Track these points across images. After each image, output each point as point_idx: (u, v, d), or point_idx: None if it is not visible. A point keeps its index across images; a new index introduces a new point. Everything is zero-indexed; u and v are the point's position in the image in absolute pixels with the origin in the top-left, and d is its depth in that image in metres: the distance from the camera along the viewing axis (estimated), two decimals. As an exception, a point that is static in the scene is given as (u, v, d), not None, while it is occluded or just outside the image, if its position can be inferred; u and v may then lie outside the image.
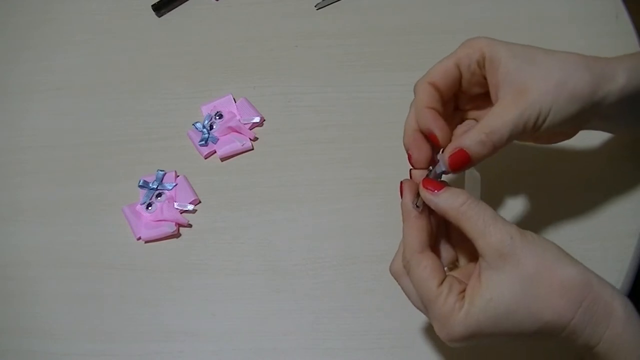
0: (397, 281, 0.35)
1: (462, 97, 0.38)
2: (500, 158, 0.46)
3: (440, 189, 0.32)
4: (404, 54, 0.53)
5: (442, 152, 0.34)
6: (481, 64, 0.35)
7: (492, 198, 0.45)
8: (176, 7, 0.59)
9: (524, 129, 0.33)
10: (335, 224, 0.46)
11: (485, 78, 0.35)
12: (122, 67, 0.56)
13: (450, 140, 0.35)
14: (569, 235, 0.43)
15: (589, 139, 0.47)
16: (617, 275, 0.42)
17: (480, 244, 0.31)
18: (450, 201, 0.32)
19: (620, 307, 0.30)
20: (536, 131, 0.34)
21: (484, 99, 0.37)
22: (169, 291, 0.45)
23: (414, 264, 0.32)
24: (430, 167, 0.35)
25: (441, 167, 0.35)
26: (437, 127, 0.34)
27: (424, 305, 0.33)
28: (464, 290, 0.32)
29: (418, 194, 0.34)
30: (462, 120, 0.39)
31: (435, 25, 0.54)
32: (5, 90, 0.56)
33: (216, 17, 0.57)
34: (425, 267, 0.32)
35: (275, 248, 0.46)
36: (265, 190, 0.48)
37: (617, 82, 0.33)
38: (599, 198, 0.45)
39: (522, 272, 0.30)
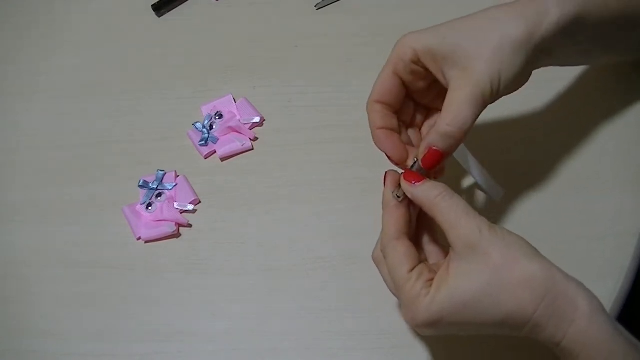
0: (377, 267, 0.36)
1: (415, 94, 0.38)
2: (497, 156, 0.46)
3: (419, 181, 0.34)
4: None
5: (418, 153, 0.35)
6: (417, 61, 0.35)
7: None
8: (176, 7, 0.58)
9: (483, 102, 0.33)
10: (335, 224, 0.46)
11: (426, 70, 0.35)
12: (122, 67, 0.56)
13: (406, 154, 0.36)
14: (569, 234, 0.43)
15: (588, 137, 0.47)
16: (617, 275, 0.42)
17: (451, 235, 0.32)
18: (426, 193, 0.33)
19: (585, 302, 0.30)
20: (497, 97, 0.34)
21: (436, 87, 0.37)
22: (168, 291, 0.45)
23: (390, 250, 0.34)
24: (415, 159, 0.36)
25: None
26: (389, 149, 0.36)
27: (396, 290, 0.34)
28: (432, 279, 0.33)
29: (399, 185, 0.35)
30: (427, 112, 0.39)
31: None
32: (5, 90, 0.56)
33: (216, 17, 0.57)
34: (399, 253, 0.33)
35: (275, 248, 0.46)
36: (265, 190, 0.48)
37: (551, 17, 0.33)
38: (598, 197, 0.44)
39: (489, 263, 0.31)
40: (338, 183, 0.48)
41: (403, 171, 0.36)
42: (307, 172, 0.48)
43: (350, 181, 0.48)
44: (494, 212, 0.45)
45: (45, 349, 0.44)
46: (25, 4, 0.61)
